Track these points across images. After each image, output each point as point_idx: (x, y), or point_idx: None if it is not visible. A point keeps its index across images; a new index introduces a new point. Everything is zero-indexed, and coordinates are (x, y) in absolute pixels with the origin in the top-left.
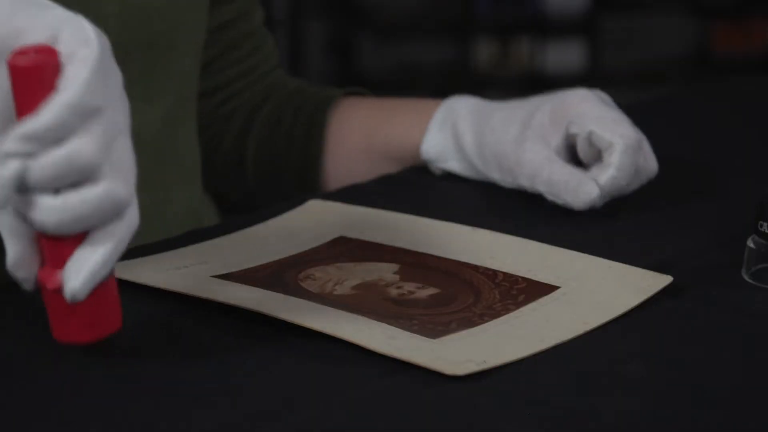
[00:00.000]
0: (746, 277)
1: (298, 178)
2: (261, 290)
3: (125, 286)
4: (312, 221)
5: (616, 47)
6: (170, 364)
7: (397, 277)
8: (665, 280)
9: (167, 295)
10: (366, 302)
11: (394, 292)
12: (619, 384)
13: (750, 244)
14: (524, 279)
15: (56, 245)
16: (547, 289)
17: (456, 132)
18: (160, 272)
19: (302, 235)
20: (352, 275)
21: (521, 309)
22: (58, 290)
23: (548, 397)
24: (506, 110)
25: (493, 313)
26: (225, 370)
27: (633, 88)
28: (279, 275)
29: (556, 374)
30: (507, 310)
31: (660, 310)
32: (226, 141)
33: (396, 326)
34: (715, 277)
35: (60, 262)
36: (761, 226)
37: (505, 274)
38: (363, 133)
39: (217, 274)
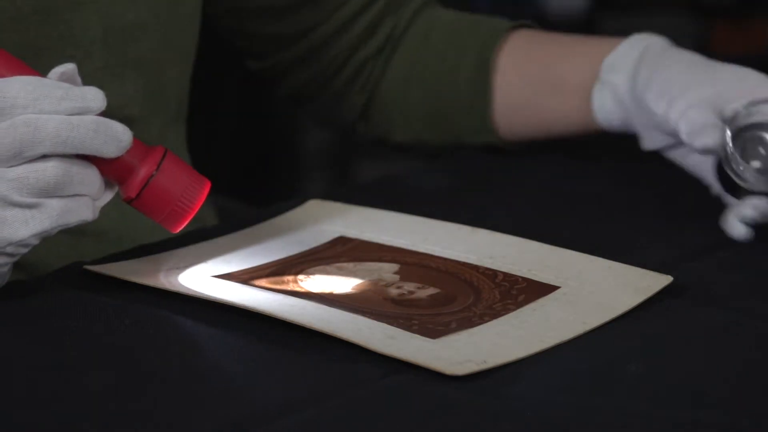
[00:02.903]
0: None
1: (467, 119)
2: (261, 290)
3: (125, 286)
4: (312, 221)
5: None
6: (170, 364)
7: (397, 277)
8: (665, 280)
9: (167, 295)
10: (366, 302)
11: (394, 292)
12: (619, 384)
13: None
14: (524, 279)
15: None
16: (547, 289)
17: (642, 54)
18: (160, 272)
19: (302, 235)
20: (352, 275)
21: (521, 309)
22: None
23: (548, 397)
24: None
25: (493, 313)
26: (225, 370)
27: None
28: (279, 275)
29: (556, 374)
30: (507, 310)
31: (660, 310)
32: (382, 86)
33: (396, 326)
34: (715, 277)
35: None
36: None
37: (505, 274)
38: (539, 65)
39: (217, 274)
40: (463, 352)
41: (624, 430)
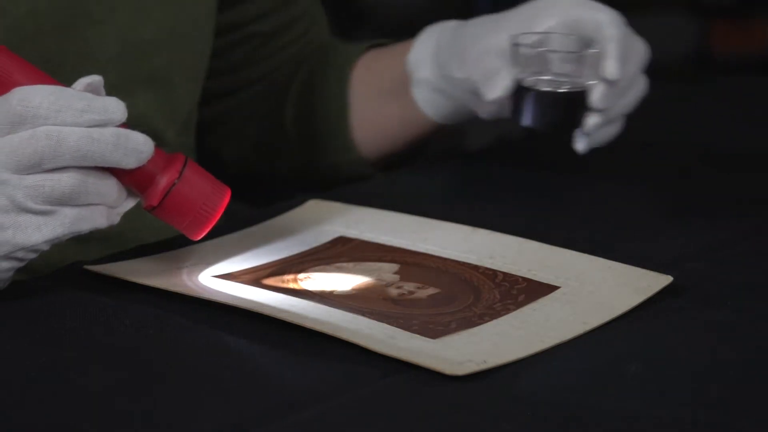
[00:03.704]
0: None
1: (331, 138)
2: (261, 290)
3: (125, 286)
4: (312, 221)
5: None
6: (170, 364)
7: (397, 277)
8: (665, 280)
9: (167, 295)
10: (366, 302)
11: (394, 292)
12: (619, 384)
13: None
14: (524, 279)
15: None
16: (547, 289)
17: (437, 39)
18: (160, 272)
19: (302, 235)
20: (352, 275)
21: (521, 309)
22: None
23: (548, 397)
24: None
25: (493, 313)
26: (225, 370)
27: None
28: (279, 275)
29: (556, 374)
30: (507, 310)
31: (660, 310)
32: (265, 111)
33: (396, 326)
34: (715, 277)
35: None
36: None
37: (505, 274)
38: (376, 76)
39: (217, 274)
40: (463, 352)
41: (624, 430)
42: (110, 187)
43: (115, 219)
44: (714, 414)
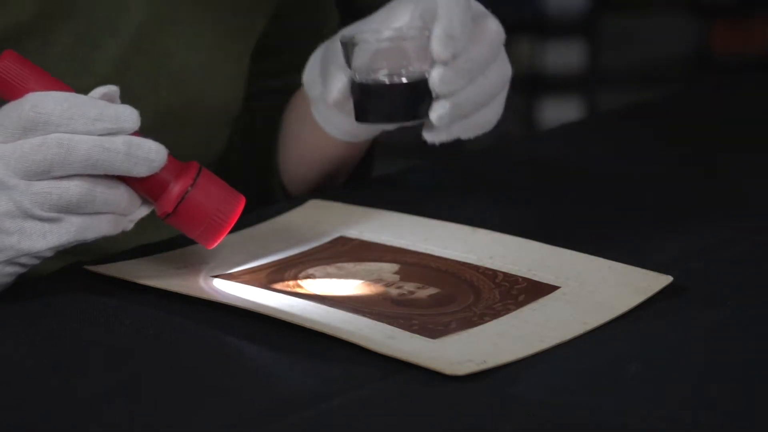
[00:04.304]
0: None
1: (262, 161)
2: (261, 290)
3: (125, 286)
4: (312, 221)
5: (616, 47)
6: (170, 364)
7: (397, 277)
8: (665, 280)
9: (167, 295)
10: (366, 302)
11: (394, 292)
12: (619, 384)
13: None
14: (524, 279)
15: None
16: (547, 289)
17: (323, 55)
18: (160, 272)
19: (302, 235)
20: (352, 275)
21: (521, 309)
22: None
23: (548, 397)
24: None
25: (493, 313)
26: (225, 370)
27: (633, 88)
28: (279, 275)
29: (556, 374)
30: (507, 310)
31: (660, 310)
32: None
33: (396, 326)
34: (716, 277)
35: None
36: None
37: (505, 274)
38: (295, 100)
39: (217, 274)
40: (463, 352)
41: (624, 430)
42: (119, 195)
43: (128, 226)
44: (714, 414)
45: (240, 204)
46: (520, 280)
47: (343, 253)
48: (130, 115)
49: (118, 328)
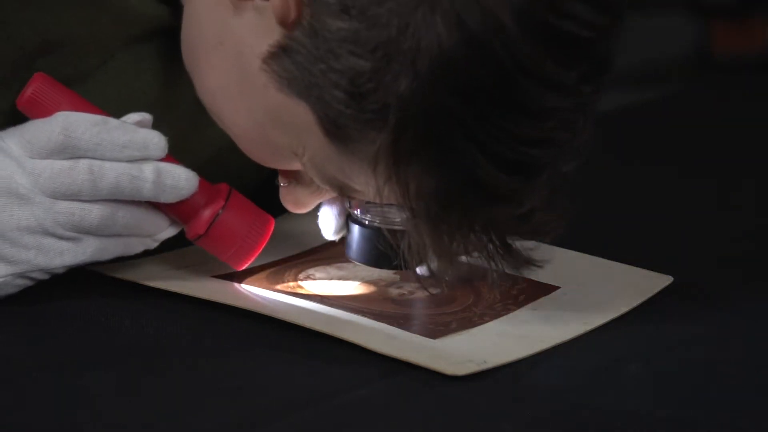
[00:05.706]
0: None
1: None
2: (261, 290)
3: (126, 286)
4: (312, 221)
5: (616, 47)
6: (170, 364)
7: (397, 277)
8: (665, 280)
9: (168, 295)
10: (366, 302)
11: (394, 292)
12: (619, 384)
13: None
14: (524, 279)
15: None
16: (547, 289)
17: None
18: (160, 273)
19: (302, 235)
20: (352, 275)
21: (521, 309)
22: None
23: (548, 397)
24: None
25: (493, 313)
26: (225, 370)
27: (633, 88)
28: (279, 275)
29: (556, 374)
30: (507, 310)
31: (660, 310)
32: None
33: (396, 326)
34: (715, 277)
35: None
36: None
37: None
38: None
39: (218, 274)
40: (463, 352)
41: (624, 430)
42: (141, 220)
43: (151, 245)
44: (714, 414)
45: (270, 226)
46: (521, 280)
47: (343, 253)
48: (158, 143)
49: (118, 328)
